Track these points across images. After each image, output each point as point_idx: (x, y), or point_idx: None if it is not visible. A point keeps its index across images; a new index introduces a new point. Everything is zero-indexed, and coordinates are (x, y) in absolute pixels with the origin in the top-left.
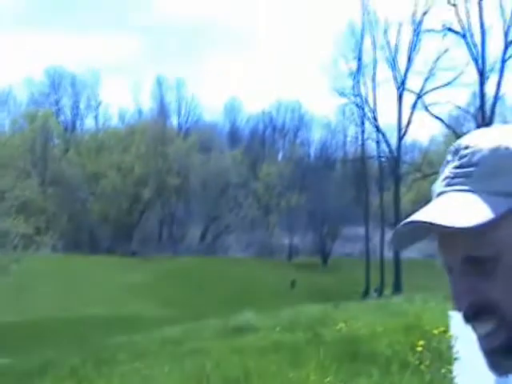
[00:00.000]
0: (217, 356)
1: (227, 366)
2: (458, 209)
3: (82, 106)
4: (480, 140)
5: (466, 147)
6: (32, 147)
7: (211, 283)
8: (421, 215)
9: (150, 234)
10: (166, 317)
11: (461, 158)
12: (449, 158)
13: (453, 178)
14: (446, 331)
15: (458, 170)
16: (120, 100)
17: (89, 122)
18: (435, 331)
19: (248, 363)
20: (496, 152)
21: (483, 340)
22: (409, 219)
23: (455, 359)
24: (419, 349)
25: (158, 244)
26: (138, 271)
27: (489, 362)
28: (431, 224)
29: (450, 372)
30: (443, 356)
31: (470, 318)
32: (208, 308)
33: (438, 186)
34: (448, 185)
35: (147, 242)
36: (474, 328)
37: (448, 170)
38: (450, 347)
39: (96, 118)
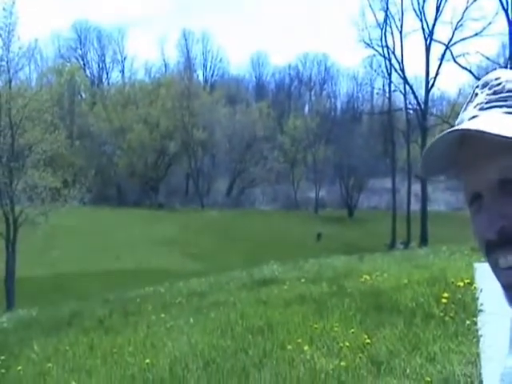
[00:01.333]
0: (241, 307)
1: (251, 317)
2: (499, 124)
3: (108, 59)
4: (508, 73)
5: (497, 78)
6: (59, 101)
7: (238, 236)
8: (463, 126)
9: (176, 188)
10: (193, 269)
11: (493, 87)
12: (477, 91)
13: (487, 103)
14: (470, 283)
15: (491, 97)
16: (146, 54)
17: (115, 76)
18: (460, 283)
19: (272, 314)
20: None
21: (506, 272)
22: (451, 129)
23: (479, 311)
24: (444, 301)
25: (185, 197)
26: (164, 224)
27: (510, 297)
28: (478, 132)
29: (475, 324)
30: (468, 308)
31: (497, 246)
32: (234, 261)
33: (469, 112)
34: (482, 109)
35: (173, 196)
36: (497, 259)
37: (480, 99)
38: (475, 299)
39: (122, 71)
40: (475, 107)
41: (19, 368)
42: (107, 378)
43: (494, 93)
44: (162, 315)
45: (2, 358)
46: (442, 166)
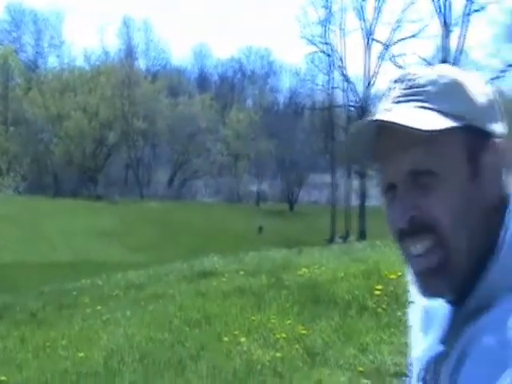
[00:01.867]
0: (180, 300)
1: (190, 309)
2: (411, 117)
3: (44, 44)
4: (424, 70)
5: (411, 74)
6: None
7: (179, 228)
8: (376, 117)
9: (115, 178)
10: (133, 262)
11: (407, 82)
12: (393, 85)
13: (401, 96)
14: (402, 276)
15: (405, 91)
16: (85, 40)
17: (52, 62)
18: (393, 276)
19: (211, 307)
20: (442, 77)
21: (416, 260)
22: (366, 119)
23: (410, 302)
24: (377, 293)
25: (124, 188)
26: (103, 215)
27: (421, 283)
28: (392, 124)
29: (405, 315)
30: (399, 300)
31: (408, 235)
32: (175, 253)
33: (384, 105)
34: (396, 102)
35: (113, 186)
36: (408, 247)
37: (395, 93)
38: (406, 291)
39: (60, 57)
40: (390, 101)
41: None
42: (39, 371)
43: (409, 87)
44: (99, 308)
45: None
46: (360, 156)
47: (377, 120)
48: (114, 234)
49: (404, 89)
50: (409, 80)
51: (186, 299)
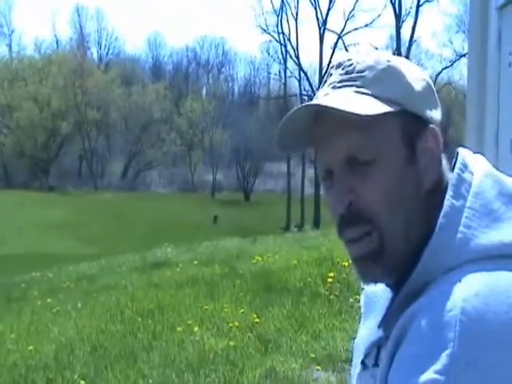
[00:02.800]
0: (132, 291)
1: (142, 300)
2: (348, 102)
3: None
4: (362, 55)
5: (349, 59)
6: None
7: (133, 219)
8: (313, 102)
9: (68, 169)
10: (86, 254)
11: (345, 67)
12: (331, 71)
13: (339, 82)
14: None
15: (343, 77)
16: (36, 29)
17: (2, 51)
18: (345, 263)
19: (163, 297)
20: (378, 63)
21: (354, 246)
22: (303, 104)
23: (362, 289)
24: (330, 280)
25: (78, 179)
26: (56, 207)
27: (358, 269)
28: (328, 109)
29: (358, 301)
30: (352, 287)
31: (347, 221)
32: (129, 244)
33: (323, 90)
34: (334, 88)
35: (66, 177)
36: (344, 234)
37: (333, 78)
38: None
39: (9, 46)
40: (328, 86)
41: None
42: None
43: (346, 73)
44: (49, 300)
45: None
46: (297, 143)
47: (312, 105)
48: (67, 226)
49: (341, 74)
50: (347, 66)
51: (139, 290)
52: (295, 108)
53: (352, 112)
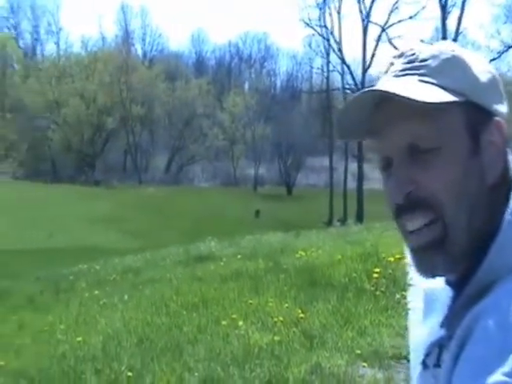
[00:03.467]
0: (177, 284)
1: (187, 293)
2: (411, 89)
3: (42, 31)
4: (426, 45)
5: (411, 49)
6: None
7: (176, 213)
8: (375, 87)
9: (113, 164)
10: (130, 247)
11: (407, 56)
12: (393, 60)
13: (401, 70)
14: (401, 258)
15: (405, 65)
16: (83, 27)
17: (50, 49)
18: (391, 258)
19: (208, 290)
20: (443, 52)
21: (413, 236)
22: (366, 89)
23: (409, 285)
24: (375, 276)
25: (122, 174)
26: (101, 201)
27: (418, 259)
28: (392, 95)
29: (404, 297)
30: (398, 282)
31: (405, 211)
32: (172, 238)
33: (384, 79)
34: (396, 76)
35: (111, 172)
36: (403, 224)
37: (395, 67)
38: (405, 273)
39: (57, 44)
40: (390, 75)
41: None
42: (37, 356)
43: (409, 62)
44: (96, 292)
45: None
46: (358, 130)
47: (375, 90)
48: (112, 220)
49: (404, 63)
50: (409, 55)
51: (183, 283)
52: (358, 93)
53: (416, 99)
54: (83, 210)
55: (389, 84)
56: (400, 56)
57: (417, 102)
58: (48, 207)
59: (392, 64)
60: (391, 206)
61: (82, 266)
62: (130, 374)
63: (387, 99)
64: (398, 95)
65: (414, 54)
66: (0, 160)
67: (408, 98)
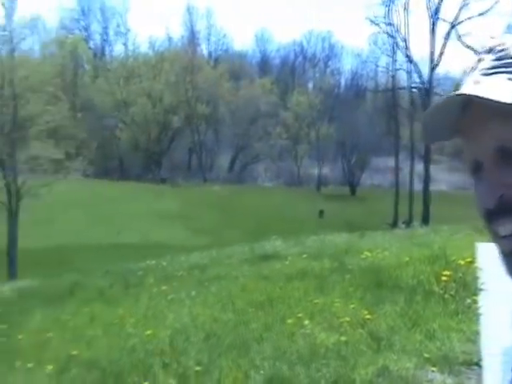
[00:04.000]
0: (243, 282)
1: (253, 291)
2: (501, 90)
3: (111, 32)
4: None
5: (501, 44)
6: (62, 73)
7: (240, 211)
8: (462, 91)
9: (179, 162)
10: (195, 244)
11: (497, 52)
12: (482, 56)
13: (490, 68)
14: (472, 262)
15: (494, 63)
16: (150, 28)
17: (118, 49)
18: (461, 262)
19: (273, 289)
20: None
21: (506, 241)
22: (453, 93)
23: (480, 290)
24: (444, 279)
25: (187, 172)
26: (167, 198)
27: (508, 265)
28: (477, 98)
29: (475, 302)
30: (468, 287)
31: (497, 215)
32: (236, 236)
33: (473, 77)
34: (485, 75)
35: (176, 170)
36: (497, 227)
37: (484, 65)
38: (476, 278)
39: (125, 44)
40: (479, 72)
41: (20, 337)
42: (108, 348)
43: (497, 58)
44: (164, 288)
45: (4, 327)
46: (444, 132)
47: (463, 94)
48: (177, 217)
49: (493, 60)
50: (498, 51)
51: (249, 281)
52: (444, 97)
53: (505, 102)
54: (150, 207)
55: (477, 85)
56: (489, 51)
57: (506, 104)
58: (116, 204)
59: (480, 60)
60: (482, 211)
61: (150, 262)
62: (197, 368)
63: (475, 101)
64: (486, 99)
65: (502, 50)
66: (71, 158)
67: (497, 102)
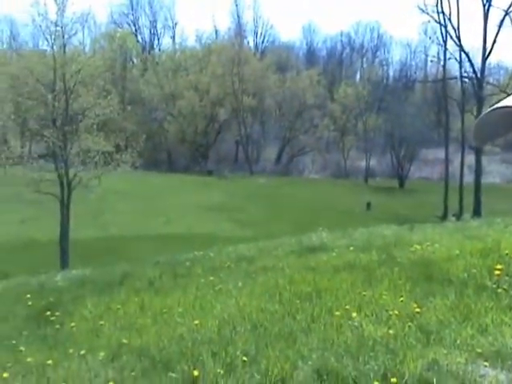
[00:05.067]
0: (289, 273)
1: (300, 282)
2: None
3: (159, 25)
4: None
5: None
6: (111, 67)
7: (286, 203)
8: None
9: (225, 155)
10: (241, 236)
11: None
12: None
13: None
14: None
15: None
16: (196, 21)
17: (166, 42)
18: None
19: (320, 281)
20: None
21: None
22: (501, 104)
23: None
24: (497, 272)
25: (234, 164)
26: (214, 190)
27: None
28: None
29: None
30: None
31: None
32: (282, 228)
33: None
34: None
35: (223, 162)
36: None
37: None
38: None
39: (173, 38)
40: None
41: (73, 324)
42: (157, 336)
43: None
44: (211, 278)
45: (57, 314)
46: (496, 135)
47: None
48: (224, 209)
49: None
50: None
51: (296, 273)
52: (498, 105)
53: None
54: (197, 198)
55: None
56: None
57: None
58: (164, 196)
59: None
60: None
61: (198, 253)
62: (244, 358)
63: None
64: None
65: None
66: (120, 151)
67: None
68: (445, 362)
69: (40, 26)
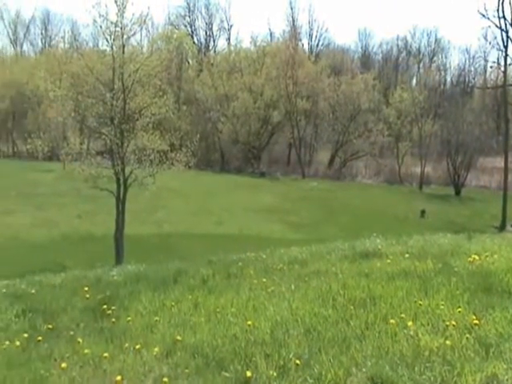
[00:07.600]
0: (343, 278)
1: (353, 288)
2: None
3: (215, 27)
4: None
5: None
6: (167, 67)
7: (338, 208)
8: None
9: (278, 157)
10: (292, 238)
11: None
12: None
13: None
14: None
15: None
16: (252, 23)
17: (221, 44)
18: None
19: (375, 287)
20: None
21: None
22: None
23: None
24: None
25: (286, 166)
26: (266, 192)
27: None
28: None
29: None
30: None
31: None
32: (334, 232)
33: None
34: None
35: (275, 164)
36: None
37: None
38: None
39: (228, 39)
40: None
41: (128, 319)
42: (211, 335)
43: None
44: (264, 280)
45: (113, 308)
46: None
47: None
48: (276, 211)
49: None
50: None
51: (349, 278)
52: None
53: None
54: (249, 200)
55: None
56: None
57: None
58: (217, 195)
59: None
60: None
61: (250, 254)
62: (297, 362)
63: None
64: None
65: None
66: (175, 150)
67: None
68: (505, 377)
69: (100, 27)
